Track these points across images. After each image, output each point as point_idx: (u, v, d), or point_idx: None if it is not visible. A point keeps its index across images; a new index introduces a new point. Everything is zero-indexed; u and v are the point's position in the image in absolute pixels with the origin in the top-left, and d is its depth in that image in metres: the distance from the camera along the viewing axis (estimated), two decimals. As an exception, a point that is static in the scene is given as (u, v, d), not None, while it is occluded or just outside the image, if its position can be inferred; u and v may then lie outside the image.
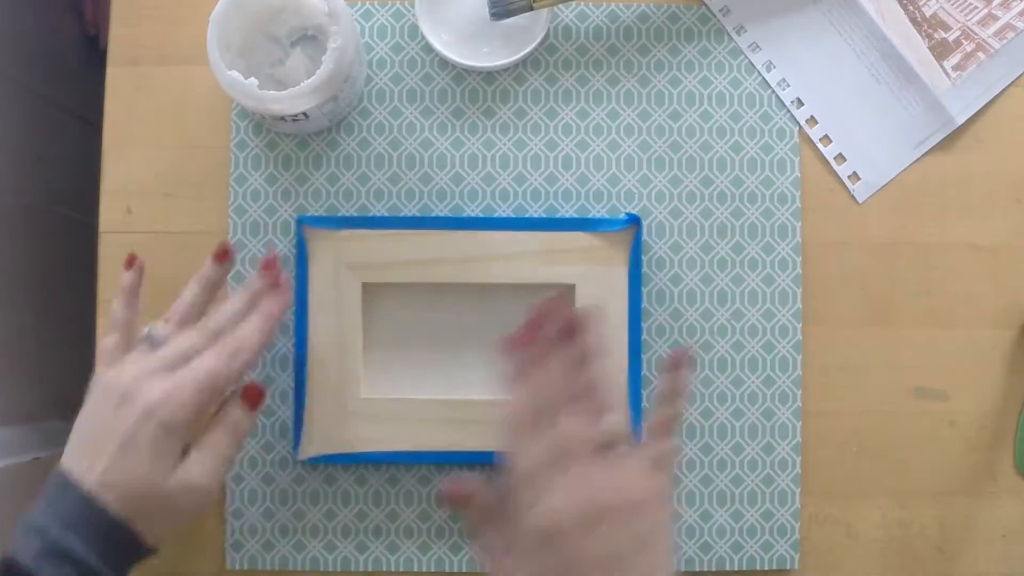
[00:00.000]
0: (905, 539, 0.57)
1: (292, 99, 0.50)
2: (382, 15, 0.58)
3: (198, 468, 0.47)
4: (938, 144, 0.58)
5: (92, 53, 0.77)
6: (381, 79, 0.58)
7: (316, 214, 0.57)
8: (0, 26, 0.66)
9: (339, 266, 0.54)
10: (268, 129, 0.57)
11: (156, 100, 0.58)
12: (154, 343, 0.48)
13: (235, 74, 0.50)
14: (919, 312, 0.57)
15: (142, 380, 0.46)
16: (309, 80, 0.50)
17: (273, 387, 0.56)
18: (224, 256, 0.51)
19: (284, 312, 0.50)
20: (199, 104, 0.58)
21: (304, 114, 0.52)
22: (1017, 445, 0.57)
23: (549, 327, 0.46)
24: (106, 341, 0.50)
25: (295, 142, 0.57)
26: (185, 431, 0.46)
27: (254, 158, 0.57)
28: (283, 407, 0.56)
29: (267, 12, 0.54)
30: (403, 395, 0.55)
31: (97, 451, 0.45)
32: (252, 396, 0.49)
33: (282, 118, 0.52)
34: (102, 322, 0.57)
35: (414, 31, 0.58)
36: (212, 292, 0.51)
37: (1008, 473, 0.57)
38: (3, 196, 0.65)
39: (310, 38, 0.56)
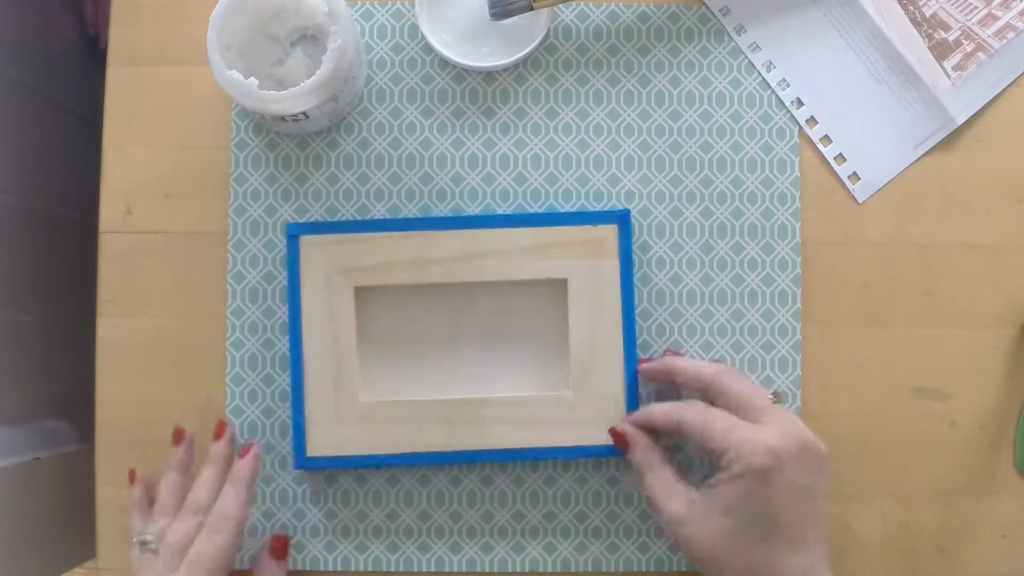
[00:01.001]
0: (905, 539, 0.57)
1: (292, 99, 0.50)
2: (382, 15, 0.58)
3: None
4: (938, 144, 0.58)
5: (92, 53, 0.77)
6: (381, 79, 0.58)
7: (314, 216, 0.57)
8: (0, 26, 0.66)
9: (330, 271, 0.54)
10: (268, 129, 0.57)
11: (156, 100, 0.58)
12: (149, 549, 0.51)
13: (235, 74, 0.50)
14: (919, 312, 0.57)
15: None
16: (309, 80, 0.50)
17: (273, 387, 0.56)
18: (178, 440, 0.55)
19: (255, 476, 0.54)
20: (199, 104, 0.58)
21: (304, 114, 0.52)
22: (1017, 445, 0.57)
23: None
24: (131, 555, 0.53)
25: (295, 142, 0.57)
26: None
27: (254, 158, 0.57)
28: (283, 406, 0.56)
29: (267, 12, 0.54)
30: (401, 397, 0.55)
31: None
32: (278, 549, 0.54)
33: (282, 118, 0.52)
34: (102, 322, 0.57)
35: (414, 31, 0.58)
36: (187, 471, 0.55)
37: (1008, 473, 0.57)
38: (3, 196, 0.65)
39: (310, 38, 0.56)
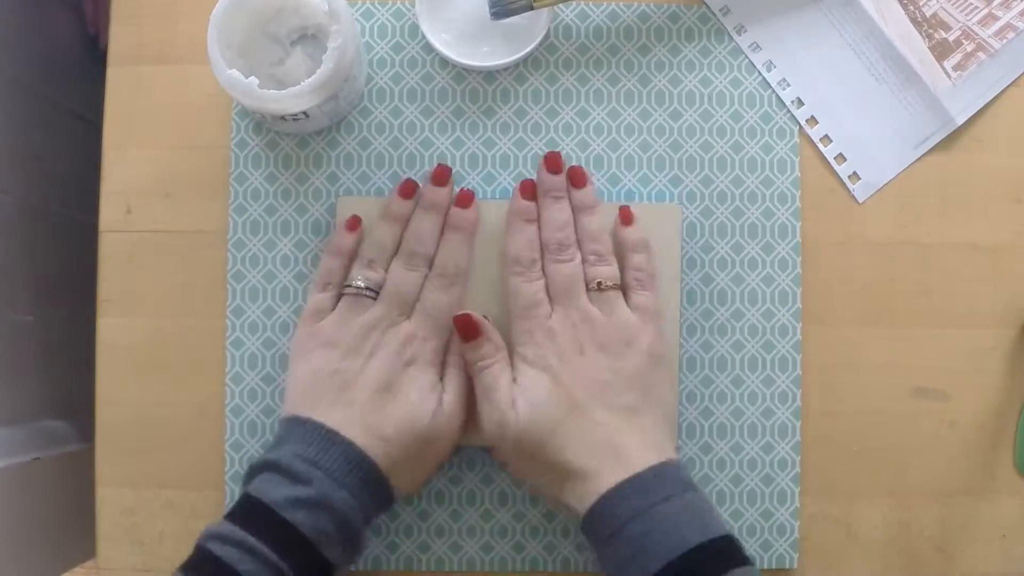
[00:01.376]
0: (905, 539, 0.57)
1: (292, 98, 0.50)
2: (382, 15, 0.58)
3: (449, 407, 0.50)
4: (938, 144, 0.58)
5: (92, 53, 0.77)
6: (381, 78, 0.58)
7: (314, 215, 0.57)
8: (0, 26, 0.66)
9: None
10: (268, 129, 0.57)
11: (156, 100, 0.58)
12: (365, 294, 0.50)
13: (235, 73, 0.50)
14: (919, 312, 0.57)
15: (373, 329, 0.50)
16: (309, 79, 0.50)
17: (273, 386, 0.56)
18: (409, 192, 0.53)
19: (478, 226, 0.53)
20: (199, 104, 0.58)
21: (304, 113, 0.52)
22: (1017, 445, 0.57)
23: (558, 173, 0.53)
24: (319, 296, 0.52)
25: (295, 141, 0.57)
26: (437, 370, 0.50)
27: (254, 158, 0.57)
28: (283, 407, 0.56)
29: (267, 11, 0.54)
30: None
31: (349, 399, 0.48)
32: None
33: (282, 117, 0.52)
34: (102, 322, 0.57)
35: (414, 31, 0.58)
36: (404, 226, 0.53)
37: (1008, 473, 0.57)
38: (3, 196, 0.65)
39: (310, 37, 0.56)
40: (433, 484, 0.56)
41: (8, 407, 0.64)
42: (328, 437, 0.47)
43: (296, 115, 0.52)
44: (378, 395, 0.49)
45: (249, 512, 0.45)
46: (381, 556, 0.56)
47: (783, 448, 0.56)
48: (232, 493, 0.56)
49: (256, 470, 0.47)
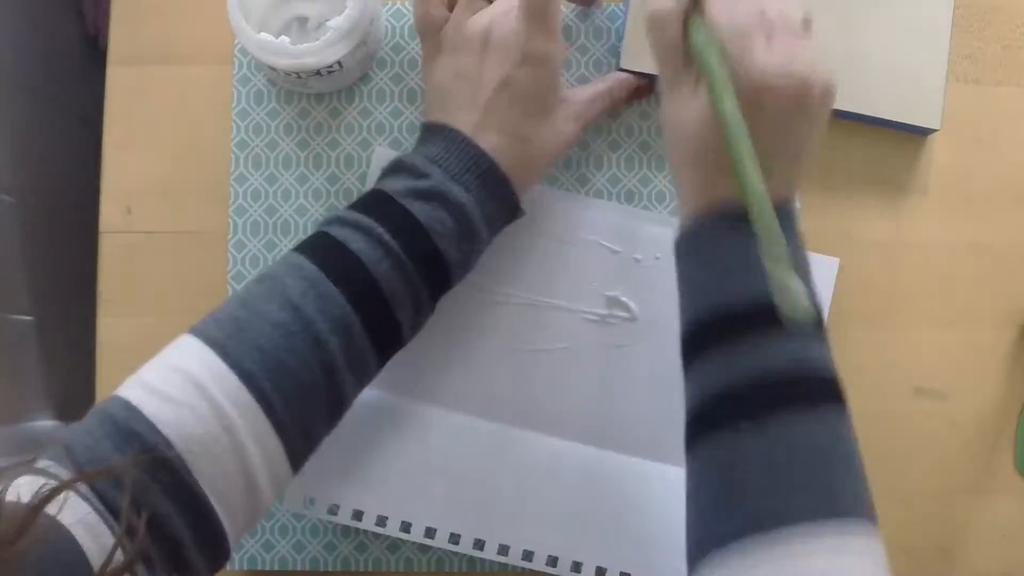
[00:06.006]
0: (905, 539, 0.57)
1: (327, 48, 0.50)
2: (382, 15, 0.58)
3: (564, 113, 0.50)
4: (938, 144, 0.58)
5: (92, 53, 0.77)
6: (381, 79, 0.58)
7: (314, 215, 0.57)
8: (0, 26, 0.66)
9: None
10: (301, 95, 0.57)
11: (156, 100, 0.58)
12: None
13: (265, 36, 0.50)
14: (919, 312, 0.57)
15: (500, 21, 0.48)
16: (339, 23, 0.50)
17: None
18: None
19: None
20: (199, 104, 0.58)
21: (339, 63, 0.52)
22: (1017, 445, 0.57)
23: None
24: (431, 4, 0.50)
25: (295, 142, 0.57)
26: (556, 75, 0.49)
27: (254, 158, 0.57)
28: (283, 407, 0.56)
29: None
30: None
31: (472, 100, 0.48)
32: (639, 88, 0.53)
33: (317, 72, 0.52)
34: (102, 322, 0.57)
35: (414, 31, 0.58)
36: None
37: (1008, 473, 0.57)
38: (3, 196, 0.65)
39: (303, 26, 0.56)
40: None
41: (8, 407, 0.64)
42: (449, 137, 0.48)
43: (331, 67, 0.52)
44: (503, 93, 0.48)
45: (370, 201, 0.47)
46: (381, 557, 0.56)
47: (783, 448, 0.56)
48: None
49: (386, 172, 0.48)
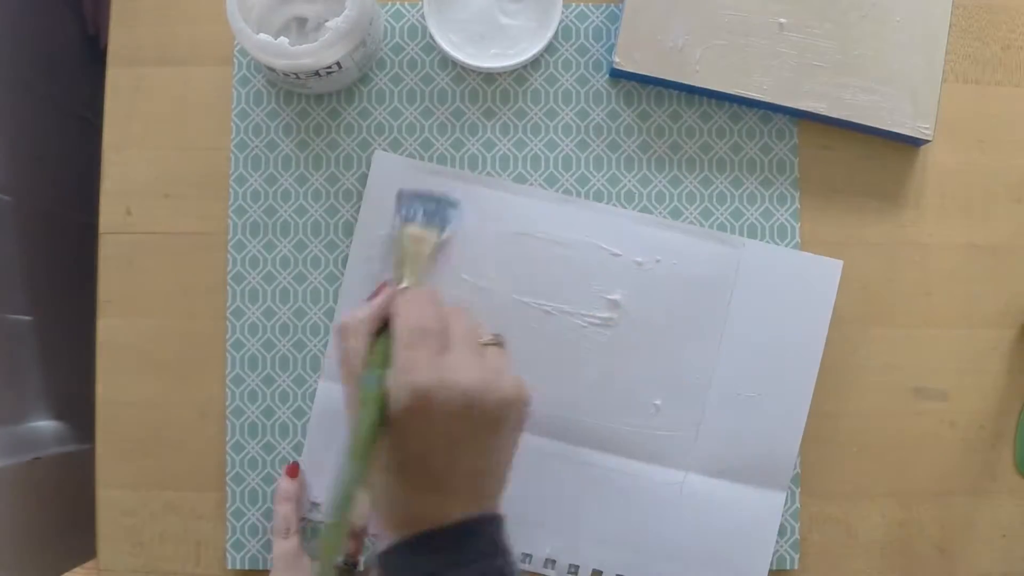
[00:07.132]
0: (905, 539, 0.57)
1: (325, 48, 0.50)
2: (381, 16, 0.58)
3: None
4: (938, 144, 0.58)
5: (92, 53, 0.77)
6: (381, 79, 0.58)
7: (314, 215, 0.57)
8: (0, 26, 0.66)
9: None
10: (300, 96, 0.57)
11: (156, 100, 0.58)
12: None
13: (264, 36, 0.50)
14: (919, 312, 0.57)
15: None
16: (337, 24, 0.50)
17: (273, 387, 0.56)
18: (294, 473, 0.55)
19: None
20: (199, 104, 0.58)
21: (338, 64, 0.52)
22: (1017, 445, 0.57)
23: None
24: (283, 543, 0.53)
25: (295, 142, 0.57)
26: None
27: (254, 158, 0.57)
28: (283, 407, 0.56)
29: None
30: None
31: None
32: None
33: (316, 73, 0.52)
34: (102, 322, 0.57)
35: (414, 31, 0.58)
36: (296, 502, 0.54)
37: (1008, 473, 0.57)
38: (3, 196, 0.65)
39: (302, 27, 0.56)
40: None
41: (8, 407, 0.64)
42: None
43: (330, 67, 0.52)
44: None
45: None
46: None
47: (783, 448, 0.56)
48: (232, 494, 0.56)
49: None
